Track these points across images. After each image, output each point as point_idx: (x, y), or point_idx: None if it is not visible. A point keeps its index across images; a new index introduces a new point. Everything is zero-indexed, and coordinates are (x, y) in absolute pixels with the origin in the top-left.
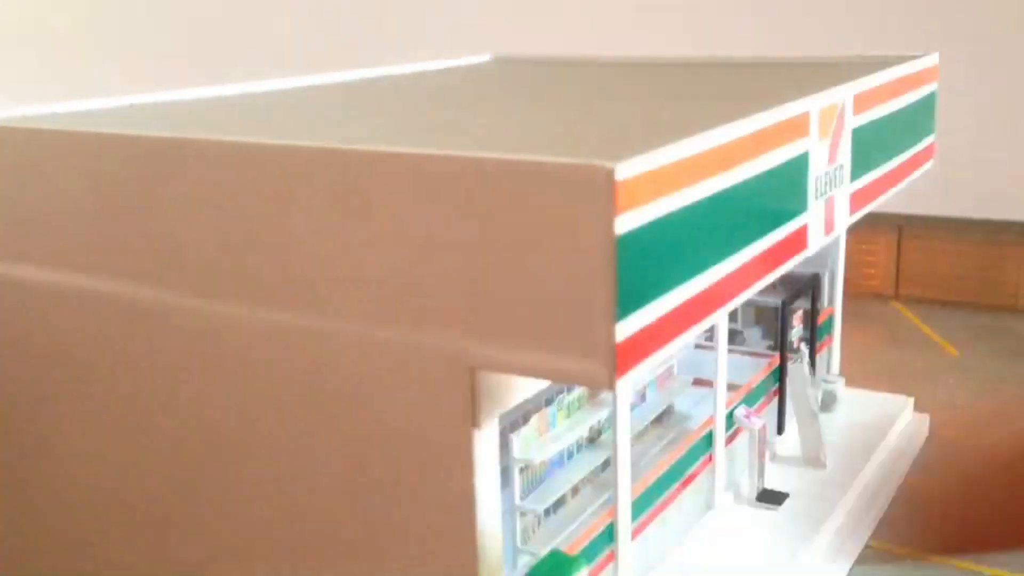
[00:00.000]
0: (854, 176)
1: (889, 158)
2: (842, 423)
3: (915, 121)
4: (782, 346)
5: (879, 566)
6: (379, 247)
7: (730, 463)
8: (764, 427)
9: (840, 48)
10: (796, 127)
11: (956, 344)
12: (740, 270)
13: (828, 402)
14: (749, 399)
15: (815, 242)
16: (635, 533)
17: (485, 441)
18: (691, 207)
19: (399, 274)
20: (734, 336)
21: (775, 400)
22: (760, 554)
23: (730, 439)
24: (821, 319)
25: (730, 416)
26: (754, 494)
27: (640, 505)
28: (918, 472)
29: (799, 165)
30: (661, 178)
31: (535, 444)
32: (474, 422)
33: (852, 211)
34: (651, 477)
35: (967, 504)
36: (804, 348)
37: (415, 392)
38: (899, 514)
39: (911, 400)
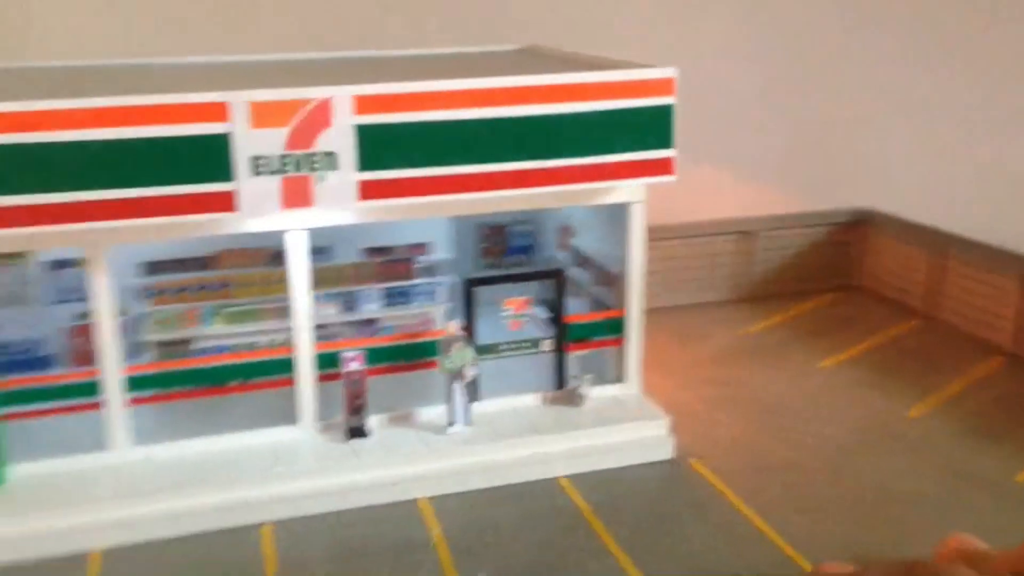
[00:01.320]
0: (364, 167)
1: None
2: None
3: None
4: (469, 319)
5: None
6: None
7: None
8: (360, 372)
9: None
10: (206, 112)
11: None
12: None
13: (575, 399)
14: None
15: (255, 207)
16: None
17: None
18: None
19: None
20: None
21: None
22: None
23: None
24: (597, 316)
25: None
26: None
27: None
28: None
29: (208, 141)
30: None
31: None
32: None
33: (370, 196)
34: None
35: None
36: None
37: None
38: None
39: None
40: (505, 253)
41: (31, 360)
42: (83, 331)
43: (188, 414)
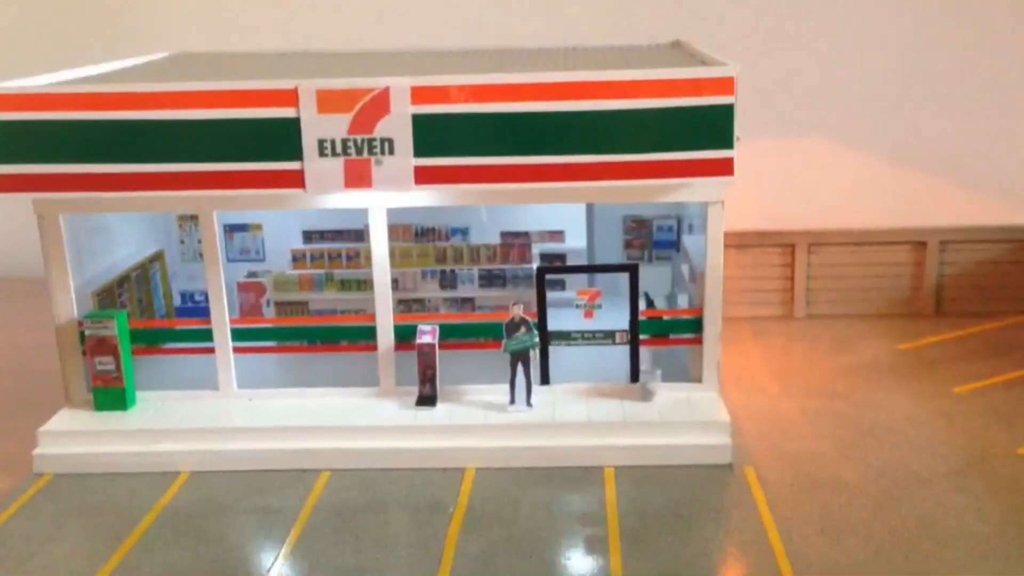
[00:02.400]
0: (420, 152)
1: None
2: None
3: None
4: (540, 306)
5: None
6: None
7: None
8: (431, 345)
9: None
10: (279, 98)
11: None
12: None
13: (643, 394)
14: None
15: (320, 186)
16: None
17: None
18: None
19: None
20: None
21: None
22: None
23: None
24: (670, 314)
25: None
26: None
27: None
28: None
29: (281, 124)
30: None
31: None
32: None
33: (425, 181)
34: None
35: None
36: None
37: None
38: None
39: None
40: (649, 246)
41: (201, 308)
42: (247, 287)
43: (290, 367)
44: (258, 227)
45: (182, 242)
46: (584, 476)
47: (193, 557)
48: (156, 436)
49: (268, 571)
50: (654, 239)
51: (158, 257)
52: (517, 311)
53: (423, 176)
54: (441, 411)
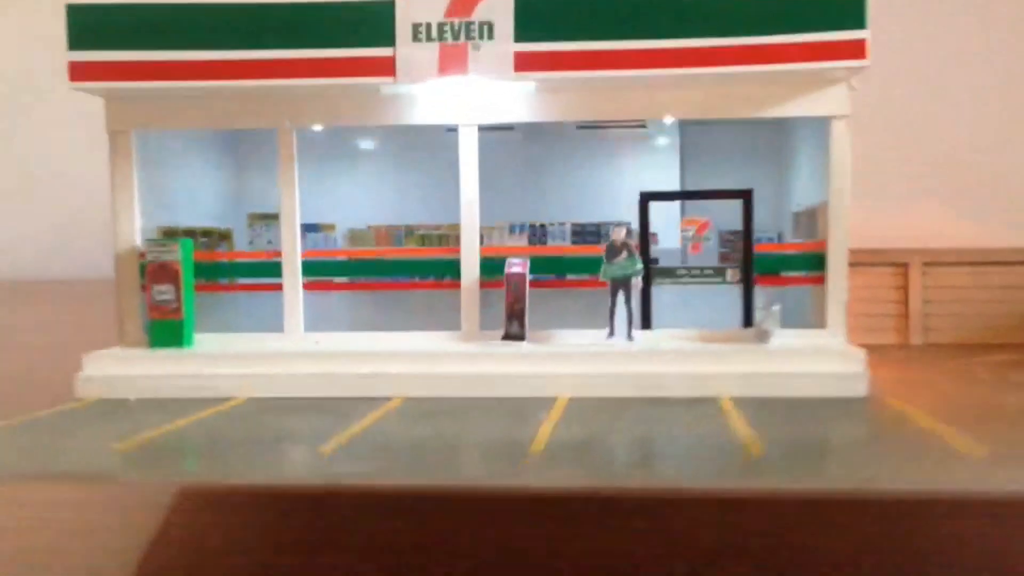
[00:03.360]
0: (521, 37)
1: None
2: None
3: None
4: (643, 233)
5: None
6: None
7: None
8: (522, 276)
9: None
10: None
11: None
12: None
13: (759, 335)
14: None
15: (412, 73)
16: None
17: None
18: None
19: None
20: None
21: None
22: None
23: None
24: (789, 248)
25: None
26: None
27: None
28: None
29: (374, 7)
30: None
31: None
32: None
33: (526, 68)
34: None
35: None
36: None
37: None
38: None
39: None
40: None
41: None
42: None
43: (363, 309)
44: (331, 227)
45: (251, 242)
46: (698, 406)
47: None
48: (213, 361)
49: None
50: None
51: (226, 236)
52: (619, 234)
53: (523, 62)
54: (529, 345)
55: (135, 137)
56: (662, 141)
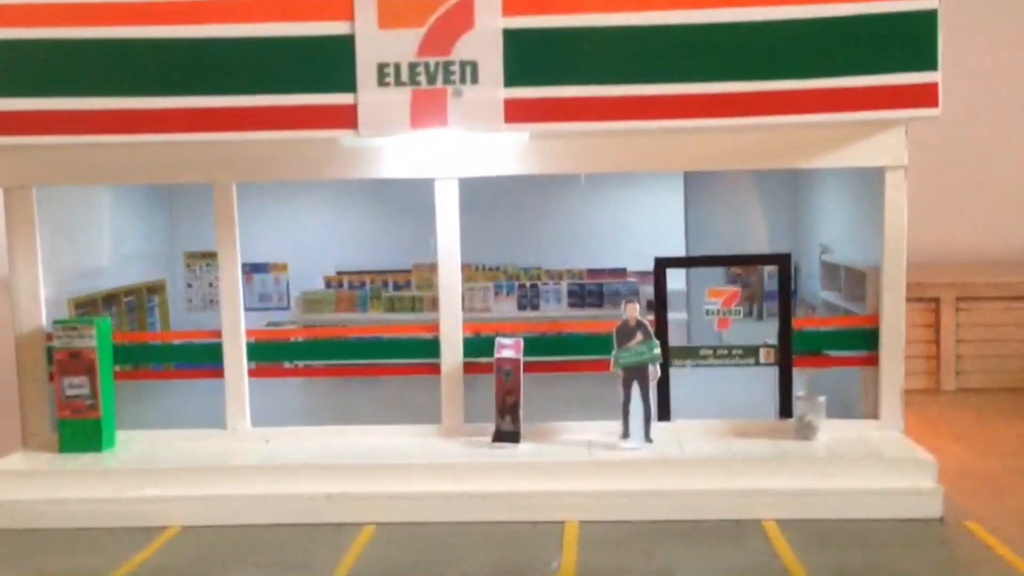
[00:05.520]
0: (513, 81)
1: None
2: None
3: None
4: (659, 310)
5: None
6: None
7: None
8: (515, 362)
9: None
10: (327, 8)
11: None
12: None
13: (802, 430)
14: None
15: (378, 125)
16: None
17: None
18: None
19: None
20: None
21: None
22: None
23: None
24: (836, 323)
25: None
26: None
27: None
28: None
29: (328, 44)
30: None
31: None
32: None
33: (519, 119)
34: None
35: None
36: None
37: None
38: None
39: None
40: (759, 298)
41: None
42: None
43: (322, 400)
44: (283, 267)
45: (189, 286)
46: (736, 531)
47: None
48: (138, 479)
49: None
50: (765, 289)
51: (159, 288)
52: (632, 311)
53: (516, 111)
54: (526, 448)
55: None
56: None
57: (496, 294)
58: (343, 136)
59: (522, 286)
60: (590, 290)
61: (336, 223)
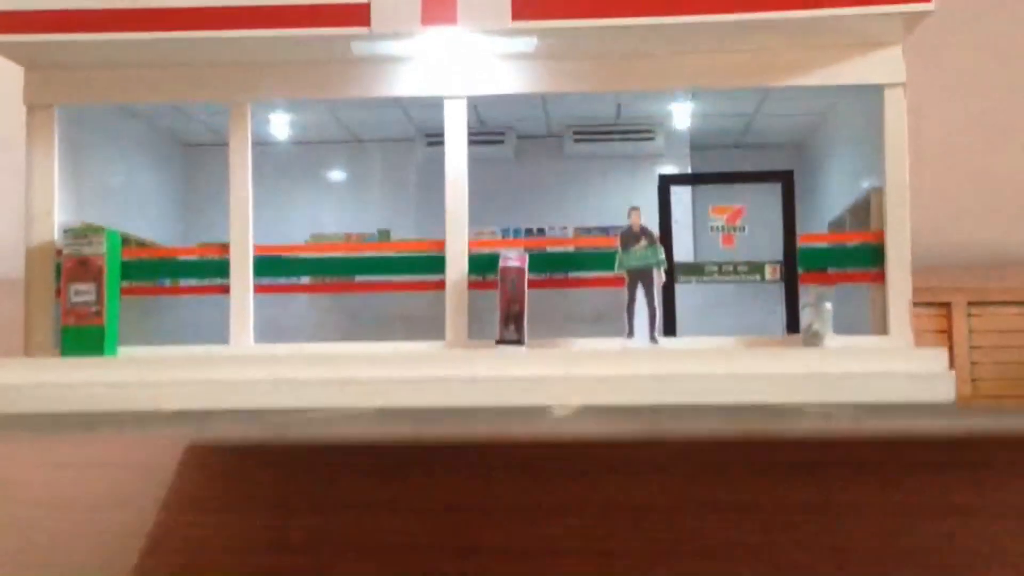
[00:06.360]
0: None
1: None
2: None
3: None
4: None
5: None
6: None
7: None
8: (520, 271)
9: None
10: None
11: None
12: None
13: (807, 338)
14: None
15: (390, 21)
16: None
17: None
18: None
19: None
20: None
21: None
22: None
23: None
24: (840, 239)
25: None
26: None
27: None
28: None
29: None
30: None
31: None
32: None
33: (528, 16)
34: None
35: None
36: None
37: None
38: None
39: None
40: None
41: None
42: None
43: (327, 316)
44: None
45: None
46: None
47: None
48: (137, 365)
49: None
50: None
51: None
52: (637, 218)
53: (522, 8)
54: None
55: (59, 122)
56: (671, 167)
57: (503, 238)
58: (356, 41)
59: (529, 231)
60: (596, 233)
61: (342, 208)
